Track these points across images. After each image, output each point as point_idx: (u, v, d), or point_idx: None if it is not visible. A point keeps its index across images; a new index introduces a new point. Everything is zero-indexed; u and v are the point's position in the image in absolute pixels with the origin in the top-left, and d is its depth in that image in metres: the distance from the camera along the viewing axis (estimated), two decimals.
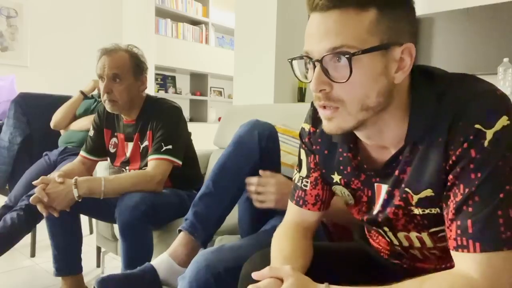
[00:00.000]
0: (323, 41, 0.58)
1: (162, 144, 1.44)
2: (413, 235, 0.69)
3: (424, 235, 0.67)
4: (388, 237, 0.74)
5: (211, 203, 1.11)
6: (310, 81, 0.61)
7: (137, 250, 1.33)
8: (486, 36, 4.07)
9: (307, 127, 0.81)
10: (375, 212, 0.71)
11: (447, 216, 0.59)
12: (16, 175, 2.13)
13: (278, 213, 1.14)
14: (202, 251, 0.97)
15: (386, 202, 0.68)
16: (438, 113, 0.59)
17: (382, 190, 0.69)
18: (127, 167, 1.59)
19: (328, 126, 0.64)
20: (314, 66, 0.60)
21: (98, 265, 2.01)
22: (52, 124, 2.20)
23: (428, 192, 0.62)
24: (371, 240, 0.85)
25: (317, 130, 0.78)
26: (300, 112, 2.12)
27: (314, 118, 0.79)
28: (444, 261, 0.71)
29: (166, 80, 4.79)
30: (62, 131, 2.24)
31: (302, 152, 0.83)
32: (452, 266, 0.58)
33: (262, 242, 0.99)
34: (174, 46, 4.54)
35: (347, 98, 0.59)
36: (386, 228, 0.71)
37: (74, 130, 2.18)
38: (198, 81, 5.06)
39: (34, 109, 2.32)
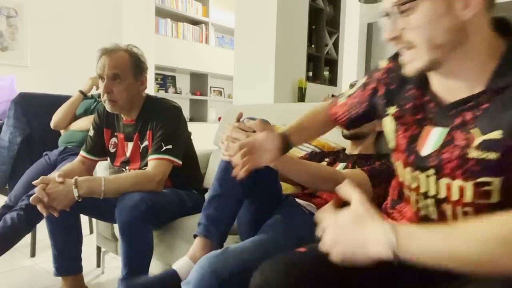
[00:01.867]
0: None
1: (162, 144, 1.44)
2: (456, 184, 0.68)
3: (468, 186, 0.67)
4: (427, 184, 0.72)
5: (220, 204, 1.12)
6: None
7: (137, 250, 1.33)
8: None
9: (384, 64, 0.87)
10: (426, 153, 0.72)
11: None
12: (16, 175, 2.13)
13: (276, 213, 1.14)
14: (206, 256, 0.97)
15: (441, 144, 0.70)
16: None
17: (434, 132, 0.72)
18: (127, 167, 1.59)
19: (407, 69, 0.71)
20: (388, 19, 0.68)
21: (98, 265, 2.01)
22: (52, 124, 2.20)
23: (497, 134, 0.62)
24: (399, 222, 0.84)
25: (393, 67, 0.84)
26: (300, 112, 2.14)
27: (396, 56, 0.83)
28: None
29: (166, 80, 4.79)
30: (62, 131, 2.24)
31: (361, 80, 0.94)
32: None
33: (264, 244, 1.00)
34: (174, 46, 4.54)
35: (416, 40, 0.66)
36: (431, 172, 0.71)
37: (74, 130, 2.18)
38: (198, 81, 5.07)
39: (34, 109, 2.32)
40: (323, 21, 3.71)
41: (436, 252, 0.57)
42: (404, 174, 0.79)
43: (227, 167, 1.11)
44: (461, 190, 0.68)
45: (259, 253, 0.95)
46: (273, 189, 1.22)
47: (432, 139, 0.72)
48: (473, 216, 0.68)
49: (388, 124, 0.83)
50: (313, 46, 3.69)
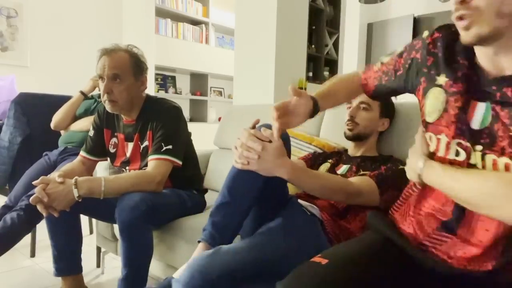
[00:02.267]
0: None
1: (162, 144, 1.44)
2: (503, 161, 0.68)
3: None
4: (471, 158, 0.73)
5: (228, 212, 1.09)
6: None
7: (137, 250, 1.33)
8: None
9: (427, 34, 0.87)
10: (475, 127, 0.72)
11: None
12: (16, 175, 2.13)
13: (279, 215, 1.13)
14: (197, 256, 0.97)
15: (491, 121, 0.70)
16: None
17: (479, 106, 0.72)
18: (127, 167, 1.59)
19: (466, 35, 0.69)
20: None
21: (98, 265, 2.01)
22: (52, 125, 2.20)
23: None
24: (410, 219, 0.84)
25: (441, 36, 0.84)
26: None
27: (444, 27, 0.85)
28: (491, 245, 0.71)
29: (166, 80, 4.79)
30: (62, 132, 2.24)
31: (398, 49, 0.97)
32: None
33: (258, 245, 0.99)
34: (174, 46, 4.55)
35: (484, 4, 0.66)
36: (480, 147, 0.72)
37: (75, 130, 2.18)
38: (198, 81, 5.07)
39: (34, 109, 2.32)
40: (323, 21, 3.71)
41: (449, 186, 0.72)
42: (449, 147, 0.77)
43: (237, 174, 1.08)
44: (507, 168, 0.68)
45: (253, 255, 0.94)
46: (281, 196, 1.21)
47: (478, 113, 0.73)
48: None
49: (437, 95, 0.81)
50: (313, 46, 3.69)
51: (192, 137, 1.71)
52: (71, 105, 2.22)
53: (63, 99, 2.28)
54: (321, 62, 3.75)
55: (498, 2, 0.65)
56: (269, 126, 1.08)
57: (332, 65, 3.97)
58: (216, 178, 2.04)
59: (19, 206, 1.68)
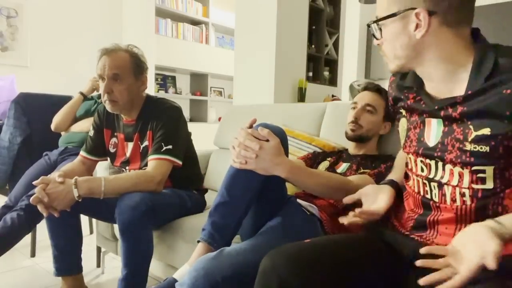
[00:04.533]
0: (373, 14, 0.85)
1: (162, 144, 1.44)
2: (457, 170, 0.79)
3: (466, 172, 0.78)
4: (436, 170, 0.83)
5: (227, 212, 1.09)
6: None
7: (137, 250, 1.33)
8: (486, 36, 4.07)
9: (389, 83, 1.03)
10: (432, 144, 0.83)
11: None
12: (16, 175, 2.13)
13: (277, 215, 1.13)
14: (201, 258, 0.97)
15: (442, 135, 0.81)
16: (502, 68, 0.73)
17: (433, 123, 0.84)
18: (127, 167, 1.59)
19: (389, 68, 0.89)
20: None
21: (98, 265, 2.01)
22: (53, 127, 2.20)
23: (486, 131, 0.74)
24: (399, 214, 0.94)
25: (393, 79, 1.01)
26: (300, 112, 2.14)
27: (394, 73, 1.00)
28: (464, 225, 0.79)
29: (166, 80, 4.79)
30: (63, 132, 2.24)
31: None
32: None
33: (260, 246, 0.99)
34: (174, 46, 4.54)
35: (386, 50, 0.86)
36: (439, 159, 0.82)
37: (75, 131, 2.18)
38: (198, 81, 5.06)
39: (34, 109, 2.32)
40: (323, 21, 3.71)
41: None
42: (416, 163, 0.89)
43: (236, 174, 1.08)
44: (460, 176, 0.79)
45: (255, 256, 0.94)
46: (279, 195, 1.21)
47: (433, 130, 0.84)
48: (469, 198, 0.78)
49: (403, 124, 0.95)
50: (313, 46, 3.69)
51: (192, 137, 1.71)
52: (71, 107, 2.22)
53: (63, 99, 2.28)
54: (321, 62, 3.75)
55: (393, 49, 0.83)
56: (266, 125, 1.08)
57: (332, 65, 3.97)
58: (216, 178, 2.04)
59: (19, 206, 1.68)
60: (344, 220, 0.93)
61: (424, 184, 0.86)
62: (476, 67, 0.76)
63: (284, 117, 1.88)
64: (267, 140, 1.02)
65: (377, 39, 0.86)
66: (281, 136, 1.09)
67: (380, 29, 0.83)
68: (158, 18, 4.40)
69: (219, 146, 2.21)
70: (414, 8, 0.77)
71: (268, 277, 0.75)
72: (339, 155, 1.44)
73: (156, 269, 1.58)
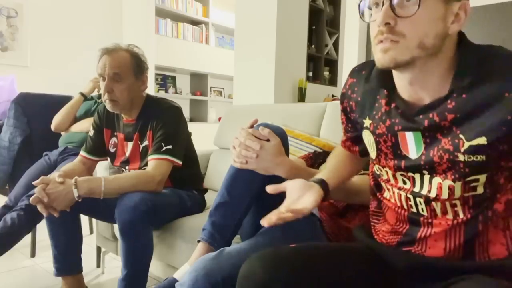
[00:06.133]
0: None
1: (162, 144, 1.44)
2: (446, 184, 0.71)
3: (457, 185, 0.70)
4: (421, 183, 0.75)
5: (227, 212, 1.09)
6: (375, 20, 0.70)
7: (137, 250, 1.33)
8: (486, 36, 4.07)
9: (345, 85, 0.91)
10: (414, 156, 0.75)
11: None
12: (16, 175, 2.13)
13: None
14: (201, 258, 0.97)
15: (424, 146, 0.73)
16: (492, 69, 0.66)
17: (408, 136, 0.75)
18: (126, 167, 1.59)
19: (382, 58, 0.70)
20: (383, 4, 0.68)
21: (98, 265, 2.01)
22: (53, 127, 2.20)
23: (481, 140, 0.66)
24: (382, 227, 0.86)
25: (355, 80, 0.87)
26: (300, 112, 2.15)
27: (355, 71, 0.88)
28: (454, 235, 0.73)
29: (166, 80, 4.78)
30: (63, 133, 2.24)
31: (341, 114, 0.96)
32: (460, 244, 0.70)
33: (259, 246, 0.99)
34: (174, 46, 4.54)
35: (409, 32, 0.67)
36: (425, 172, 0.74)
37: (75, 131, 2.18)
38: (198, 81, 5.06)
39: (34, 109, 2.32)
40: (323, 21, 3.71)
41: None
42: (395, 177, 0.80)
43: (236, 174, 1.08)
44: (450, 190, 0.71)
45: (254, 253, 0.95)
46: (279, 194, 1.21)
47: (411, 144, 0.75)
48: (461, 208, 0.72)
49: (368, 137, 0.85)
50: (313, 46, 3.69)
51: (192, 137, 1.71)
52: (71, 107, 2.22)
53: (63, 99, 2.28)
54: (321, 62, 3.75)
55: (423, 34, 0.67)
56: (267, 125, 1.08)
57: (332, 65, 3.97)
58: (216, 178, 2.04)
59: (19, 206, 1.68)
60: (264, 222, 0.80)
61: (407, 198, 0.78)
62: (460, 70, 0.69)
63: (284, 117, 1.88)
64: (268, 140, 1.02)
65: (397, 15, 0.67)
66: (282, 136, 1.09)
67: (419, 1, 0.65)
68: (158, 18, 4.40)
69: (219, 146, 2.21)
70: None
71: (247, 283, 0.72)
72: None
73: (156, 269, 1.58)
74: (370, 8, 0.73)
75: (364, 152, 0.93)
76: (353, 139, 0.97)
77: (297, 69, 3.34)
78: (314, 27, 3.66)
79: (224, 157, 2.08)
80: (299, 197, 0.87)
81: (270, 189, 0.90)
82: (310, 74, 3.66)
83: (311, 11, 3.47)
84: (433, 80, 0.71)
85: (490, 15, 3.94)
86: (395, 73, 0.76)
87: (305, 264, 0.75)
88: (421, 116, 0.72)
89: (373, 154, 0.84)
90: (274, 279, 0.70)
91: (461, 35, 0.72)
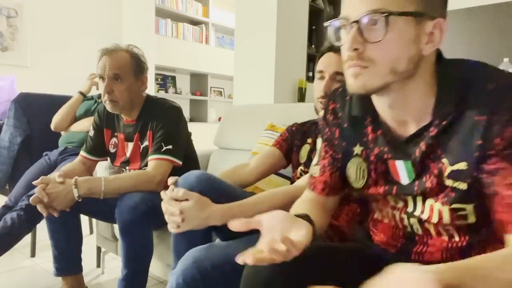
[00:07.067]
0: (363, 4, 0.63)
1: (162, 144, 1.44)
2: (437, 206, 0.69)
3: (445, 210, 0.68)
4: (414, 205, 0.74)
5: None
6: (343, 45, 0.66)
7: (137, 250, 1.33)
8: (486, 36, 4.07)
9: (324, 109, 0.86)
10: (406, 182, 0.72)
11: (500, 200, 0.61)
12: (16, 175, 2.13)
13: None
14: (192, 249, 0.98)
15: (416, 174, 0.71)
16: (472, 93, 0.63)
17: (398, 165, 0.72)
18: (127, 167, 1.59)
19: (353, 83, 0.66)
20: (351, 29, 0.64)
21: (98, 265, 2.01)
22: (52, 126, 2.20)
23: (462, 165, 0.64)
24: (376, 236, 0.85)
25: (338, 105, 0.82)
26: (300, 112, 2.14)
27: (337, 96, 0.84)
28: (451, 255, 0.72)
29: (166, 80, 4.78)
30: (62, 132, 2.24)
31: (318, 140, 0.89)
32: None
33: (251, 240, 0.99)
34: (174, 46, 4.54)
35: (378, 58, 0.63)
36: (419, 197, 0.72)
37: (75, 131, 2.18)
38: (198, 81, 5.06)
39: (34, 109, 2.32)
40: (323, 21, 3.71)
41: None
42: (386, 199, 0.78)
43: (178, 237, 1.12)
44: (440, 213, 0.69)
45: (247, 245, 0.94)
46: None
47: (402, 170, 0.73)
48: (455, 232, 0.70)
49: (359, 165, 0.79)
50: (313, 46, 3.69)
51: (192, 137, 1.71)
52: (70, 106, 2.22)
53: (63, 99, 2.28)
54: None
55: (394, 59, 0.63)
56: (184, 179, 1.06)
57: None
58: None
59: (19, 206, 1.68)
60: (249, 260, 0.62)
61: (401, 218, 0.76)
62: (440, 96, 0.66)
63: (284, 117, 1.88)
64: (187, 199, 0.99)
65: (366, 40, 0.63)
66: (202, 184, 1.04)
67: (387, 25, 0.61)
68: (158, 18, 4.40)
69: (219, 146, 2.21)
70: (433, 18, 0.63)
71: (252, 281, 0.72)
72: (315, 127, 1.33)
73: (156, 269, 1.58)
74: (339, 29, 0.69)
75: (337, 189, 0.87)
76: (334, 174, 0.86)
77: (297, 69, 3.34)
78: (314, 27, 3.66)
79: (224, 157, 2.08)
80: (285, 234, 0.67)
81: (235, 225, 0.72)
82: (310, 74, 3.66)
83: (311, 11, 3.47)
84: (414, 104, 0.68)
85: (490, 15, 3.94)
86: (373, 97, 0.72)
87: (308, 262, 0.74)
88: (410, 145, 0.70)
89: (360, 182, 0.80)
90: (279, 277, 0.70)
91: (437, 53, 0.69)
